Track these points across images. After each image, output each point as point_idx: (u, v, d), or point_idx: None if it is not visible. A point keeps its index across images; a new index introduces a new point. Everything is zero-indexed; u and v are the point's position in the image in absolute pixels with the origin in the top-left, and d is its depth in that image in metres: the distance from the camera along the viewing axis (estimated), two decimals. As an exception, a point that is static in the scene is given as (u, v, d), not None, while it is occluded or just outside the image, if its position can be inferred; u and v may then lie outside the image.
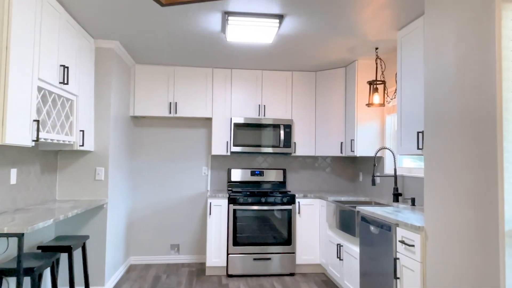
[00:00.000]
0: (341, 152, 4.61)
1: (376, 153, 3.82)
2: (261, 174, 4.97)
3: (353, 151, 4.31)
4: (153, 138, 4.97)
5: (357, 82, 4.31)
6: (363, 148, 4.30)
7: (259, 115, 4.78)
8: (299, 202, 4.48)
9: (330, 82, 4.76)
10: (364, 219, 3.19)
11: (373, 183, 3.79)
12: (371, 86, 3.95)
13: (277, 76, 4.84)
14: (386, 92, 3.94)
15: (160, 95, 4.68)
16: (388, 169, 4.25)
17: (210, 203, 4.36)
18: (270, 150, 4.68)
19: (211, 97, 4.75)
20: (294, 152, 4.78)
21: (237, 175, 4.94)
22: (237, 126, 4.64)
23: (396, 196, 3.79)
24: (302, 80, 4.88)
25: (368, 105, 3.90)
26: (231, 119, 4.72)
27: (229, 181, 4.93)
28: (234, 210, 4.37)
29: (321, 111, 4.83)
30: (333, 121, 4.71)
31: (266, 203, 4.43)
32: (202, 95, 4.75)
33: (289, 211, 4.44)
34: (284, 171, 5.03)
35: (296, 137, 4.85)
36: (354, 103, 4.32)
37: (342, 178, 5.20)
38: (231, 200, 4.37)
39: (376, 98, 3.86)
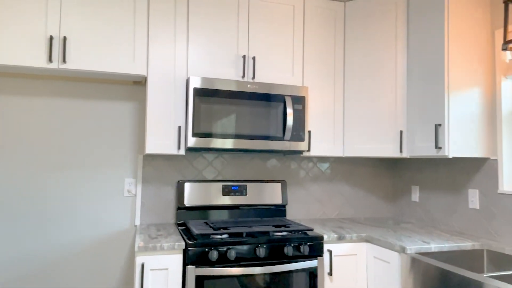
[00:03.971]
0: (401, 151, 2.43)
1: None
2: (241, 191, 2.60)
3: (441, 148, 2.15)
4: (16, 118, 2.34)
5: (448, 7, 2.16)
6: (462, 142, 2.16)
7: (243, 76, 2.41)
8: (330, 252, 2.20)
9: (373, 17, 2.56)
10: None
11: (543, 220, 1.64)
12: (509, 3, 1.81)
13: (276, 6, 2.52)
14: None
15: (28, 20, 2.09)
16: (508, 185, 2.16)
17: (143, 264, 1.89)
18: (264, 145, 2.34)
19: (146, 34, 2.28)
20: (308, 150, 2.49)
21: (196, 194, 2.51)
22: (200, 95, 2.23)
23: None
24: (321, 16, 2.62)
25: (510, 43, 1.75)
26: (187, 80, 2.29)
27: (181, 207, 2.48)
28: (199, 279, 1.94)
29: (356, 72, 2.61)
30: (382, 92, 2.51)
31: (266, 260, 2.07)
32: (124, 28, 2.25)
33: (312, 272, 2.14)
34: (284, 184, 2.71)
35: (312, 121, 2.56)
36: (443, 53, 2.16)
37: (376, 195, 3.03)
38: (191, 256, 1.94)
39: (530, 29, 1.73)
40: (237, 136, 2.28)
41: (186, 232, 2.21)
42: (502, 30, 2.14)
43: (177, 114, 2.29)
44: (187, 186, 2.50)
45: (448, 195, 2.50)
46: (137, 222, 2.48)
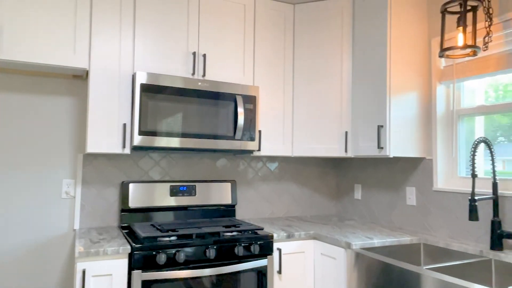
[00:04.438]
0: (346, 151, 2.52)
1: (475, 147, 1.82)
2: (190, 192, 2.54)
3: (383, 148, 2.27)
4: None
5: (391, 16, 2.29)
6: (402, 143, 2.30)
7: (193, 73, 2.35)
8: (280, 251, 2.22)
9: (321, 22, 2.64)
10: None
11: (473, 216, 1.78)
12: (446, 13, 1.96)
13: (227, 3, 2.49)
14: (488, 25, 1.97)
15: (-52, 1, 1.86)
16: (442, 183, 2.33)
17: (84, 271, 1.77)
18: (214, 144, 2.30)
19: (89, 25, 2.14)
20: (258, 150, 2.50)
21: (142, 195, 2.41)
22: (147, 91, 2.14)
23: (500, 238, 1.87)
24: (272, 17, 2.64)
25: (446, 50, 1.90)
26: (133, 76, 2.19)
27: (125, 209, 2.36)
28: (146, 284, 1.86)
29: (304, 74, 2.67)
30: (329, 94, 2.60)
31: (216, 261, 2.03)
32: (65, 17, 2.09)
33: (261, 271, 2.14)
34: (233, 184, 2.69)
35: (262, 121, 2.58)
36: (384, 54, 2.28)
37: (322, 194, 3.12)
38: (137, 260, 1.85)
39: (462, 38, 1.88)
40: (186, 135, 2.22)
41: (131, 235, 2.10)
42: (438, 39, 2.31)
43: (122, 111, 2.17)
44: (132, 187, 2.39)
45: (388, 192, 2.64)
46: (76, 226, 2.31)
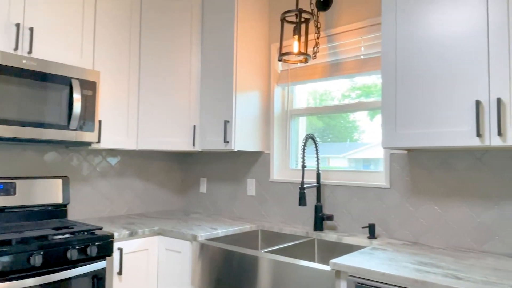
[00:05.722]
0: (193, 145, 2.54)
1: (305, 142, 2.06)
2: (8, 190, 2.12)
3: (228, 142, 2.37)
4: None
5: (237, 17, 2.41)
6: (245, 138, 2.44)
7: (16, 48, 1.96)
8: (121, 250, 2.06)
9: (170, 12, 2.58)
10: (374, 291, 1.40)
11: (302, 202, 2.01)
12: (285, 22, 2.18)
13: (63, -28, 2.18)
14: (317, 37, 2.24)
15: None
16: (277, 174, 2.58)
17: None
18: (40, 133, 1.98)
19: None
20: (98, 142, 2.27)
21: None
22: None
23: (321, 220, 2.19)
24: (117, -1, 2.44)
25: (283, 55, 2.10)
26: None
27: None
28: None
29: (152, 64, 2.56)
30: (177, 88, 2.56)
31: (45, 268, 1.75)
32: None
33: (98, 274, 1.95)
34: (65, 181, 2.37)
35: (104, 110, 2.35)
36: (232, 53, 2.39)
37: (167, 189, 3.05)
38: None
39: (297, 46, 2.12)
40: (2, 121, 1.84)
41: None
42: (277, 44, 2.55)
43: None
44: None
45: (231, 185, 2.78)
46: None
